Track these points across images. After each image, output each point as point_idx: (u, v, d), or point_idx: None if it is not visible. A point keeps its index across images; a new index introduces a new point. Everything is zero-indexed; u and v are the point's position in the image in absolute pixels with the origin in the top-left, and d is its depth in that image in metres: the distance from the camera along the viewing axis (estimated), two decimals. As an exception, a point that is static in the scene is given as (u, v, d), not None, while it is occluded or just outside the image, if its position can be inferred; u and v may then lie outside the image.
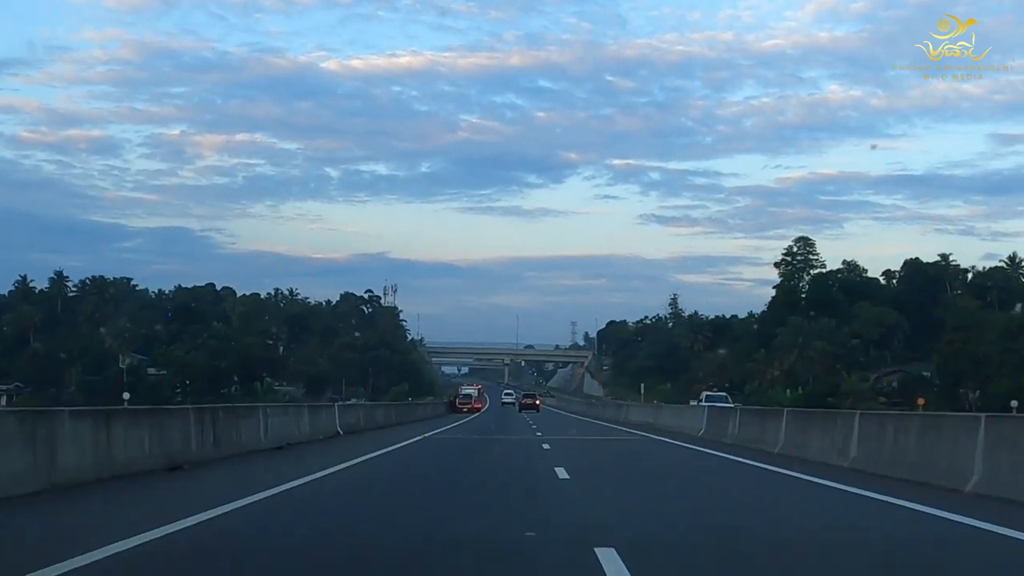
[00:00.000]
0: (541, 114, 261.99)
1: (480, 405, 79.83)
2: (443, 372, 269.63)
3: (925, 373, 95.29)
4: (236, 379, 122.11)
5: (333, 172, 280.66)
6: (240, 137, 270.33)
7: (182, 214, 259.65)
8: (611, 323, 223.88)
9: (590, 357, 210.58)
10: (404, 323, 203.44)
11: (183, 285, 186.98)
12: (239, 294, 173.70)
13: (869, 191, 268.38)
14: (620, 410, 63.70)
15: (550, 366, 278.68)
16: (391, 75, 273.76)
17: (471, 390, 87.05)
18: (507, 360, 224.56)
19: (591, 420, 58.33)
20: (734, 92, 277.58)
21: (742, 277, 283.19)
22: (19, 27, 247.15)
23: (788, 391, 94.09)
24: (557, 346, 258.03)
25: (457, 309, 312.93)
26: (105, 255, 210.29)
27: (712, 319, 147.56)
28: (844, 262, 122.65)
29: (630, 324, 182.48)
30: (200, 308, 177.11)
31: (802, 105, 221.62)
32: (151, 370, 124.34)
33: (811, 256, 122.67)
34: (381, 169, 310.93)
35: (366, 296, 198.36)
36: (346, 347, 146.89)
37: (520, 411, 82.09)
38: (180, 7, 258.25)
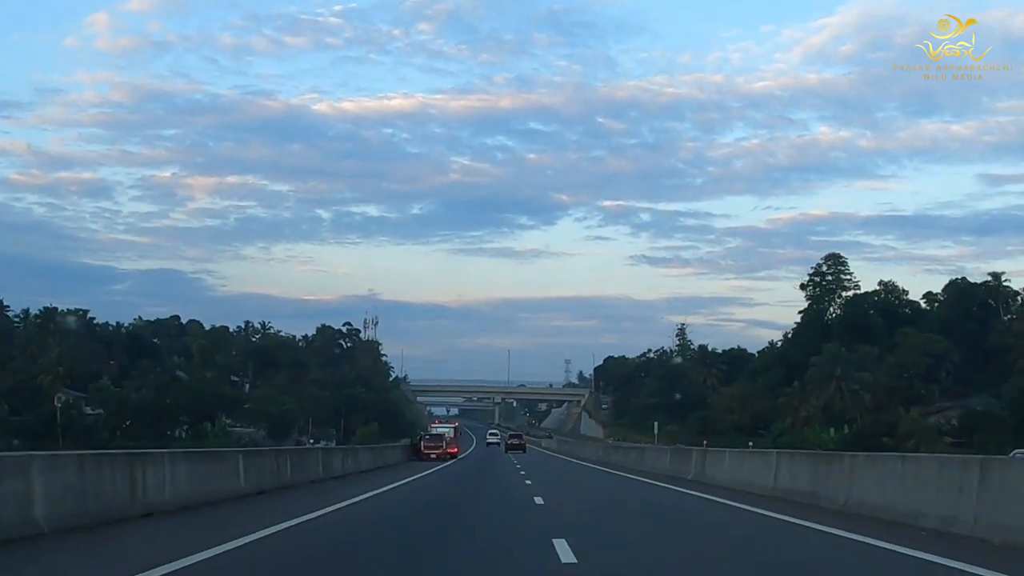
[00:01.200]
0: (532, 156, 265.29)
1: (455, 450, 60.83)
2: (431, 413, 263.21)
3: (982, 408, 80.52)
4: (185, 420, 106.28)
5: (324, 214, 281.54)
6: (231, 179, 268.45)
7: (173, 256, 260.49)
8: (609, 359, 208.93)
9: (587, 395, 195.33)
10: (385, 357, 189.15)
11: (144, 317, 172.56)
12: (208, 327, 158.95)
13: (859, 231, 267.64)
14: (636, 455, 48.63)
15: (543, 406, 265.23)
16: (382, 117, 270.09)
17: (444, 429, 65.99)
18: (497, 399, 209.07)
19: (608, 471, 42.80)
20: (724, 134, 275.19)
21: (733, 318, 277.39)
22: (12, 69, 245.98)
23: (832, 430, 78.65)
24: (551, 385, 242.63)
25: (448, 350, 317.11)
26: (96, 297, 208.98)
27: (726, 351, 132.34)
28: (881, 283, 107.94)
29: (631, 359, 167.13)
30: (156, 342, 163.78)
31: (792, 146, 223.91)
32: (90, 409, 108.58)
33: (843, 276, 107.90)
34: (372, 211, 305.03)
35: (344, 330, 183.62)
36: (317, 384, 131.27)
37: (506, 452, 79.30)
38: (172, 50, 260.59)
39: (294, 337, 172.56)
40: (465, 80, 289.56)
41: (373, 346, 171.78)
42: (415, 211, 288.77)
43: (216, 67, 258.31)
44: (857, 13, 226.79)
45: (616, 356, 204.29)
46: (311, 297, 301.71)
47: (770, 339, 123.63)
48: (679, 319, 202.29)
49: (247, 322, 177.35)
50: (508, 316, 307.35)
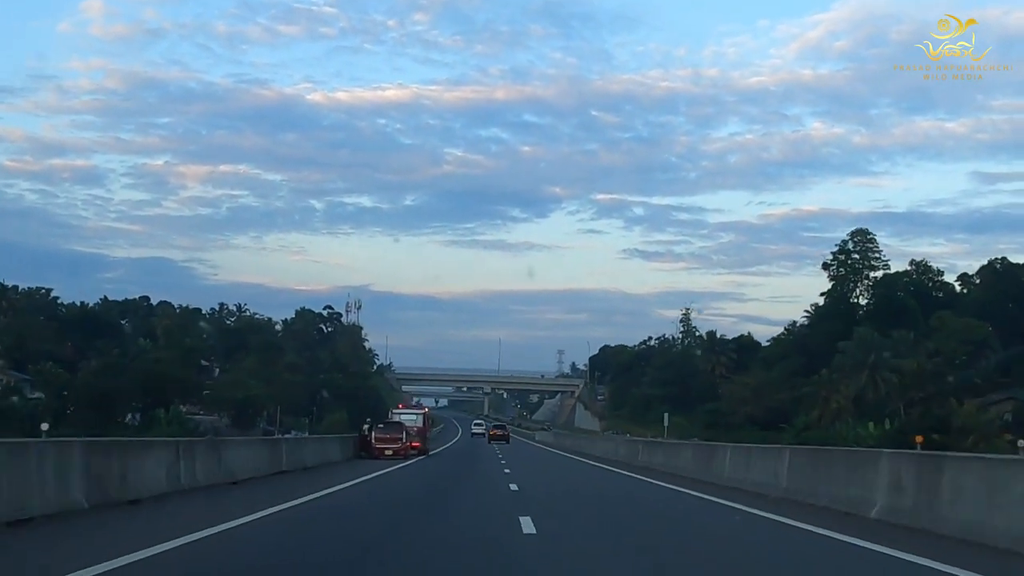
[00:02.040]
0: (526, 148, 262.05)
1: (418, 444, 45.47)
2: (419, 404, 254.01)
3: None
4: (138, 405, 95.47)
5: (317, 204, 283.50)
6: (224, 168, 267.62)
7: (165, 245, 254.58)
8: (605, 348, 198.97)
9: (581, 386, 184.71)
10: (368, 343, 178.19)
11: (110, 298, 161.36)
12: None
13: (851, 228, 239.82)
14: (649, 452, 38.04)
15: (535, 397, 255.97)
16: (376, 108, 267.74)
17: (409, 416, 47.82)
18: (487, 389, 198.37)
19: (632, 475, 32.08)
20: (718, 128, 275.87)
21: (725, 313, 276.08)
22: (5, 55, 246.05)
23: (871, 425, 68.01)
24: (542, 375, 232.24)
25: (439, 342, 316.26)
26: (87, 285, 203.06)
27: (735, 339, 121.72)
28: (913, 262, 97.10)
29: (630, 347, 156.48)
30: (124, 323, 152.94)
31: (786, 142, 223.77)
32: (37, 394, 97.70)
33: (872, 253, 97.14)
34: (365, 201, 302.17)
35: (325, 314, 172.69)
36: (290, 369, 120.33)
37: (489, 442, 78.96)
38: (167, 38, 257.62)
39: (270, 320, 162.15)
40: (460, 71, 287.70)
41: (354, 331, 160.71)
42: (408, 202, 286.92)
43: (210, 55, 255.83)
44: (853, 9, 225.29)
45: (612, 345, 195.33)
46: (303, 287, 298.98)
47: (785, 325, 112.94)
48: (671, 314, 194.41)
49: (222, 304, 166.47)
50: (500, 308, 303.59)
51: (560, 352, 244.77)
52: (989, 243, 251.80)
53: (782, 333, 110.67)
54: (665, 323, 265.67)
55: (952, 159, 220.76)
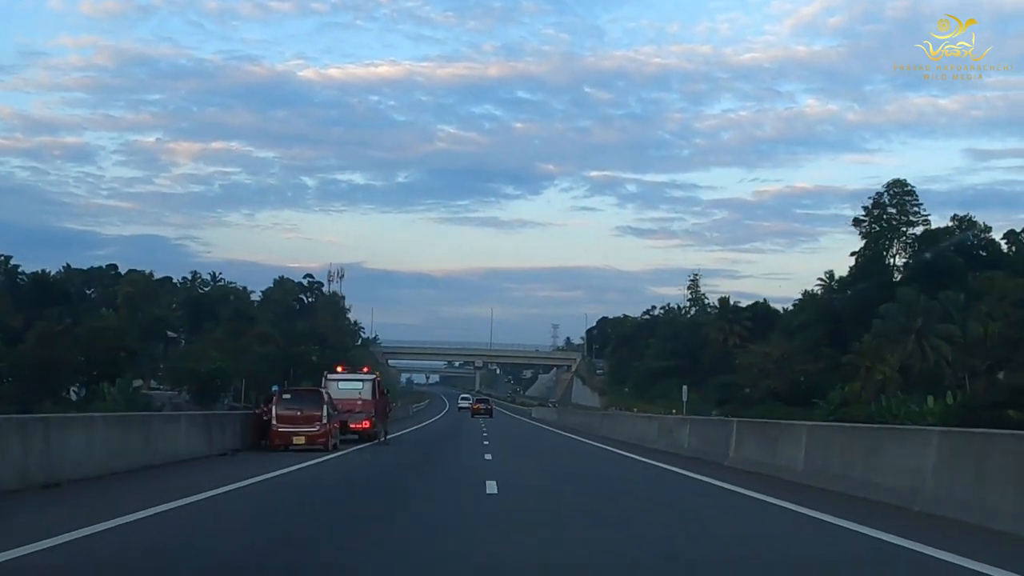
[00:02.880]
0: (519, 125, 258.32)
1: (366, 425, 32.54)
2: (411, 382, 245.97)
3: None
4: (82, 379, 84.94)
5: (310, 181, 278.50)
6: (216, 145, 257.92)
7: (157, 222, 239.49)
8: (603, 320, 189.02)
9: (579, 360, 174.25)
10: (351, 314, 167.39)
11: (73, 265, 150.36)
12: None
13: (845, 205, 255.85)
14: (672, 432, 27.53)
15: (528, 373, 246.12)
16: (368, 84, 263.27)
17: (350, 383, 33.60)
18: (479, 363, 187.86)
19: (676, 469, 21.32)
20: (711, 105, 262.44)
21: (719, 290, 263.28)
22: None
23: (931, 399, 57.47)
24: (537, 350, 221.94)
25: (433, 319, 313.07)
26: (79, 263, 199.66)
27: (750, 306, 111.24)
28: (955, 217, 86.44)
29: (632, 317, 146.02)
30: (88, 293, 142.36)
31: (779, 119, 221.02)
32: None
33: (910, 208, 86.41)
34: (358, 179, 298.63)
35: (305, 283, 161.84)
36: (261, 340, 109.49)
37: (472, 416, 79.84)
38: (157, 14, 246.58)
39: (245, 289, 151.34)
40: (452, 48, 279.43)
41: (335, 301, 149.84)
42: (401, 179, 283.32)
43: (201, 31, 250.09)
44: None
45: (611, 317, 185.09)
46: (296, 265, 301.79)
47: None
48: (665, 291, 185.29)
49: (194, 272, 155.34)
50: (493, 286, 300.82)
51: (555, 326, 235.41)
52: (983, 220, 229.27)
53: (800, 300, 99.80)
54: (659, 300, 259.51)
55: (946, 136, 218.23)
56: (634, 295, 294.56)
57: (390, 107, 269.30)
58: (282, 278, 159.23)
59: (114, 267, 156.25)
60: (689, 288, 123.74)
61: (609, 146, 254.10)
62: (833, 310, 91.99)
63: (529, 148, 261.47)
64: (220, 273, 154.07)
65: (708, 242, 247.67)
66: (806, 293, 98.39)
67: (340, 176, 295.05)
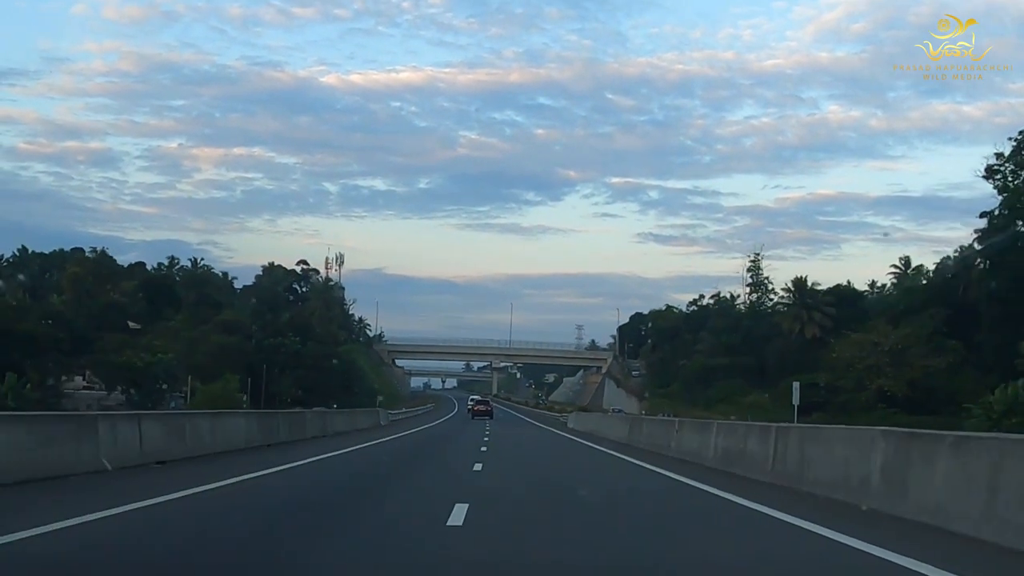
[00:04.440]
0: (540, 131, 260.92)
1: None
2: (428, 386, 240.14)
3: None
4: None
5: (331, 187, 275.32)
6: (238, 151, 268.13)
7: (179, 227, 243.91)
8: (637, 315, 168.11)
9: (610, 360, 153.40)
10: (351, 306, 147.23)
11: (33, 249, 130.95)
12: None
13: (868, 212, 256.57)
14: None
15: (551, 377, 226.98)
16: (390, 90, 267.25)
17: None
18: (497, 363, 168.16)
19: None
20: (734, 111, 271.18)
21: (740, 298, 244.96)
22: (19, 37, 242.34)
23: None
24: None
25: (454, 326, 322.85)
26: None
27: (831, 289, 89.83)
28: None
29: (676, 310, 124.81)
30: (48, 276, 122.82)
31: (802, 125, 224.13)
32: None
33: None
34: (379, 184, 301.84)
35: (299, 270, 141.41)
36: (226, 328, 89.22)
37: (472, 418, 77.51)
38: (180, 20, 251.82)
39: (226, 275, 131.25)
40: (474, 54, 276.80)
41: (330, 290, 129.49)
42: (422, 185, 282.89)
43: (224, 37, 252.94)
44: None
45: (645, 313, 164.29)
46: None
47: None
48: (685, 298, 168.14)
49: (171, 257, 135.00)
50: (514, 292, 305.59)
51: (579, 327, 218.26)
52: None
53: (900, 280, 78.34)
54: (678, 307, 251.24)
55: (969, 143, 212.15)
56: (656, 302, 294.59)
57: (412, 113, 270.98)
58: (271, 264, 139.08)
59: (80, 251, 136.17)
60: (749, 271, 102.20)
61: (631, 153, 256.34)
62: (952, 293, 70.80)
63: (550, 154, 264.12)
64: (202, 259, 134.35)
65: (730, 249, 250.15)
66: (910, 268, 76.71)
67: (362, 182, 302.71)
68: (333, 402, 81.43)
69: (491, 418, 76.34)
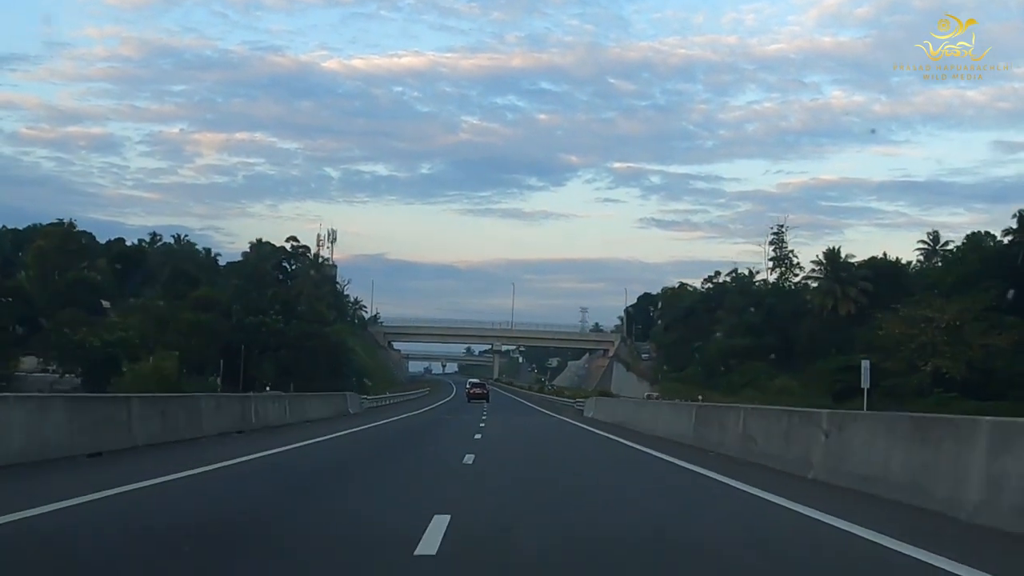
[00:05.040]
0: (542, 116, 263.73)
1: None
2: (429, 371, 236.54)
3: None
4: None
5: (333, 172, 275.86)
6: (240, 136, 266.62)
7: (181, 213, 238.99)
8: (645, 296, 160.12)
9: (617, 342, 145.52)
10: (344, 286, 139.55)
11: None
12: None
13: (871, 197, 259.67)
14: None
15: (554, 361, 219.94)
16: (392, 75, 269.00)
17: None
18: (497, 345, 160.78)
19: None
20: (736, 96, 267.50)
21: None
22: (20, 23, 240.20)
23: None
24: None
25: (455, 310, 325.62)
26: None
27: (866, 262, 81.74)
28: None
29: (691, 288, 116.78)
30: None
31: (804, 110, 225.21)
32: None
33: None
34: (381, 170, 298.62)
35: (289, 247, 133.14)
36: (202, 305, 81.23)
37: (469, 400, 76.98)
38: (181, 5, 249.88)
39: (209, 252, 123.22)
40: (476, 39, 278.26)
41: (319, 266, 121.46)
42: (424, 170, 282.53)
43: (225, 22, 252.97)
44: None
45: (654, 293, 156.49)
46: (327, 262, 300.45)
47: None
48: (688, 283, 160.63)
49: (153, 234, 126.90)
50: (516, 277, 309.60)
51: (583, 310, 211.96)
52: (1010, 212, 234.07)
53: (950, 253, 70.22)
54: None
55: (973, 128, 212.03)
56: (658, 287, 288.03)
57: (414, 98, 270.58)
58: (259, 241, 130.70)
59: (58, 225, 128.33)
60: (772, 244, 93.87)
61: (633, 137, 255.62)
62: (1008, 263, 62.84)
63: (552, 139, 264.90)
64: (186, 236, 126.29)
65: (732, 234, 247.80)
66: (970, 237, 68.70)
67: (363, 167, 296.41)
68: (315, 386, 73.82)
69: (487, 401, 74.87)
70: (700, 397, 65.69)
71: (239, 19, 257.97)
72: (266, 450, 16.57)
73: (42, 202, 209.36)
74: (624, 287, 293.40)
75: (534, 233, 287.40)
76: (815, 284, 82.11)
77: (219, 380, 74.01)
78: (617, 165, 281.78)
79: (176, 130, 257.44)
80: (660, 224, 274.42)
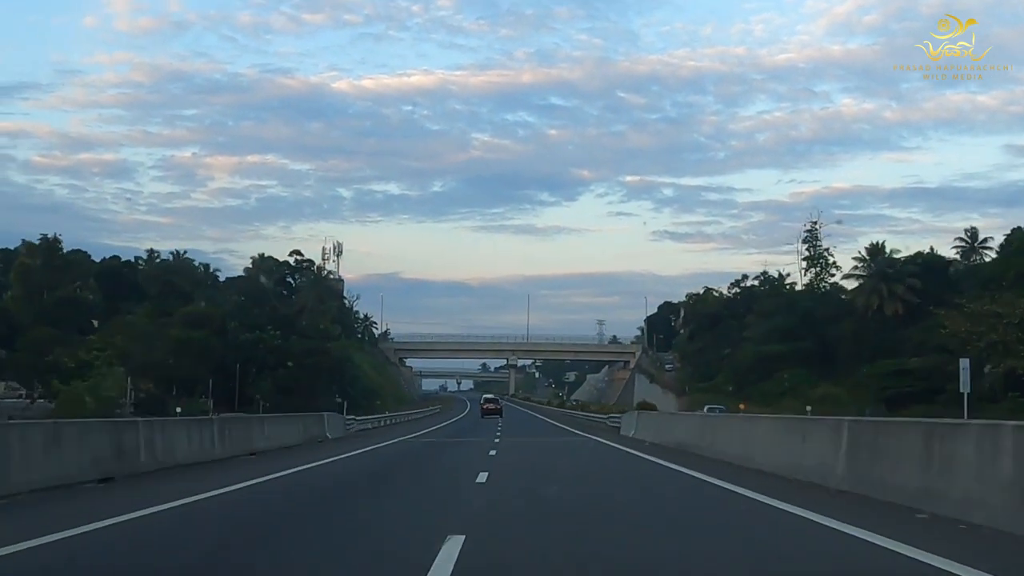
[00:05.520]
0: (553, 131, 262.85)
1: None
2: (445, 389, 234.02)
3: None
4: None
5: (345, 192, 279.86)
6: (252, 158, 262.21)
7: (195, 236, 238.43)
8: (666, 304, 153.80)
9: (638, 353, 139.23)
10: (356, 303, 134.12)
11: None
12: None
13: (884, 204, 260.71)
14: None
15: (572, 376, 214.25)
16: (402, 94, 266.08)
17: None
18: (513, 359, 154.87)
19: None
20: (746, 107, 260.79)
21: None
22: (30, 51, 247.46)
23: None
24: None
25: (469, 328, 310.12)
26: None
27: (912, 258, 75.28)
28: None
29: (717, 293, 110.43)
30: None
31: (815, 119, 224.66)
32: None
33: None
34: (393, 189, 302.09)
35: (292, 262, 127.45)
36: (192, 322, 75.27)
37: (483, 416, 75.55)
38: (191, 30, 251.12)
39: (207, 268, 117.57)
40: (485, 56, 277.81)
41: (322, 280, 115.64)
42: (436, 188, 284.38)
43: (235, 46, 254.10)
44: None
45: (675, 302, 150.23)
46: (332, 276, 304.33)
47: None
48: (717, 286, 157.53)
49: (151, 251, 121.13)
50: (530, 293, 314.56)
51: (600, 322, 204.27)
52: (1023, 216, 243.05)
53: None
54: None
55: (984, 132, 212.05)
56: (673, 299, 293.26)
57: (424, 116, 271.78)
58: (262, 255, 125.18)
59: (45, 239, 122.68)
60: (806, 241, 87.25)
61: (644, 150, 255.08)
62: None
63: (563, 154, 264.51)
64: (185, 252, 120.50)
65: (745, 245, 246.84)
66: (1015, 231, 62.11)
67: (375, 187, 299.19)
68: (315, 405, 67.68)
69: (501, 416, 73.79)
70: (743, 406, 59.39)
71: (248, 43, 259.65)
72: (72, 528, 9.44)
73: (56, 229, 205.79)
74: (639, 299, 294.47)
75: (547, 248, 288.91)
76: (857, 283, 75.44)
77: (210, 402, 68.00)
78: (629, 178, 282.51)
79: (188, 154, 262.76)
80: (673, 236, 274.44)
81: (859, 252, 76.50)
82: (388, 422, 56.78)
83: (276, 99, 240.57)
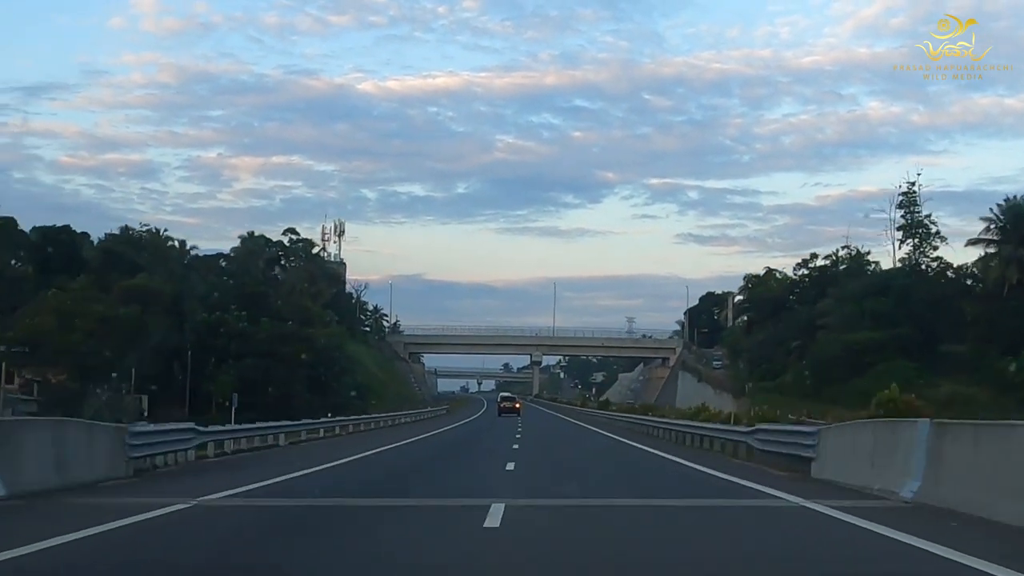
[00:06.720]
0: (578, 134, 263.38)
1: None
2: (466, 390, 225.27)
3: None
4: None
5: (370, 194, 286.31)
6: (277, 159, 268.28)
7: (220, 237, 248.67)
8: (708, 295, 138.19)
9: (679, 348, 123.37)
10: (363, 293, 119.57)
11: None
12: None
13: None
14: None
15: (599, 376, 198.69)
16: (427, 96, 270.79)
17: None
18: (537, 356, 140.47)
19: None
20: (772, 110, 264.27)
21: None
22: (58, 52, 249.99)
23: None
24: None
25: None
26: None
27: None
28: None
29: (781, 275, 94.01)
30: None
31: (841, 122, 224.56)
32: None
33: None
34: (418, 190, 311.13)
35: (286, 241, 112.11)
36: (134, 296, 59.98)
37: (500, 415, 75.78)
38: (217, 31, 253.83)
39: (183, 244, 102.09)
40: (510, 57, 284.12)
41: (314, 258, 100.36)
42: (460, 190, 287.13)
43: (261, 47, 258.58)
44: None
45: (719, 293, 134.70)
46: (357, 277, 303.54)
47: None
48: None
49: (124, 226, 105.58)
50: (554, 295, 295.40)
51: (630, 319, 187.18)
52: None
53: None
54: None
55: (1012, 135, 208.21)
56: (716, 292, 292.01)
57: (448, 118, 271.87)
58: (251, 234, 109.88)
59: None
60: (901, 206, 70.72)
61: (669, 153, 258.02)
62: None
63: (588, 156, 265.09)
64: (165, 229, 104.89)
65: (770, 248, 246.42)
66: None
67: (400, 188, 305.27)
68: (291, 404, 51.93)
69: (519, 416, 71.69)
70: (807, 415, 42.14)
71: (274, 44, 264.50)
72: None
73: (84, 230, 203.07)
74: (664, 301, 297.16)
75: (572, 250, 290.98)
76: (983, 252, 59.01)
77: (143, 401, 52.41)
78: (654, 181, 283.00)
79: (214, 155, 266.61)
80: (698, 239, 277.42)
81: (990, 210, 60.01)
82: (372, 426, 40.85)
83: (301, 100, 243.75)
